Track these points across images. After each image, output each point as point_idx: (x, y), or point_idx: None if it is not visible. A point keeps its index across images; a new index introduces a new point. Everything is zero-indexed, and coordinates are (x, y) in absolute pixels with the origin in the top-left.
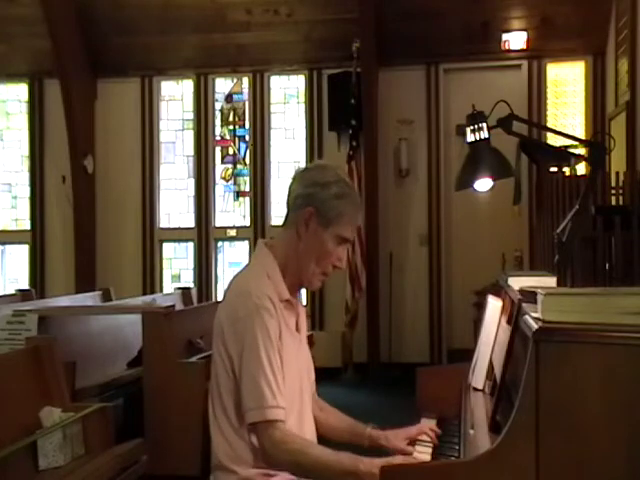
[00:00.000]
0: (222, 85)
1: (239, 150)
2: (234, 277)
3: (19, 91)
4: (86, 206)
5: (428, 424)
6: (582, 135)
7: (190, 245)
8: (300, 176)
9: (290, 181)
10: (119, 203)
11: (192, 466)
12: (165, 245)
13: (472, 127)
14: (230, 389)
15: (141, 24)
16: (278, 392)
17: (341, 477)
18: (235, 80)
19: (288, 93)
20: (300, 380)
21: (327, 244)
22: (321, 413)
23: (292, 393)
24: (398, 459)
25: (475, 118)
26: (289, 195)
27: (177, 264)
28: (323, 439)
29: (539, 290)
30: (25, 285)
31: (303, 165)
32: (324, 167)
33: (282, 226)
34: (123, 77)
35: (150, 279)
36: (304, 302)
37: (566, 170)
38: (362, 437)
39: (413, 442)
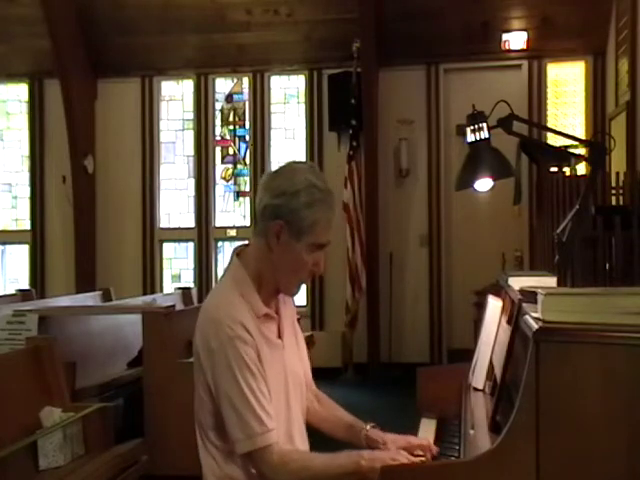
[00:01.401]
0: (222, 85)
1: (239, 150)
2: (209, 295)
3: (19, 91)
4: (86, 206)
5: (430, 442)
6: (582, 135)
7: (190, 245)
8: (268, 184)
9: (259, 186)
10: (119, 203)
11: (192, 466)
12: (165, 245)
13: (472, 127)
14: (209, 410)
15: (141, 24)
16: (265, 415)
17: (345, 479)
18: (235, 80)
19: (288, 93)
20: (285, 392)
21: (301, 255)
22: (321, 409)
23: (277, 407)
24: (402, 457)
25: (475, 118)
26: (258, 202)
27: (177, 264)
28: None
29: (539, 290)
30: (25, 285)
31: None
32: (293, 171)
33: (254, 230)
34: (123, 77)
35: (150, 279)
36: (304, 302)
37: (566, 170)
38: (359, 438)
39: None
